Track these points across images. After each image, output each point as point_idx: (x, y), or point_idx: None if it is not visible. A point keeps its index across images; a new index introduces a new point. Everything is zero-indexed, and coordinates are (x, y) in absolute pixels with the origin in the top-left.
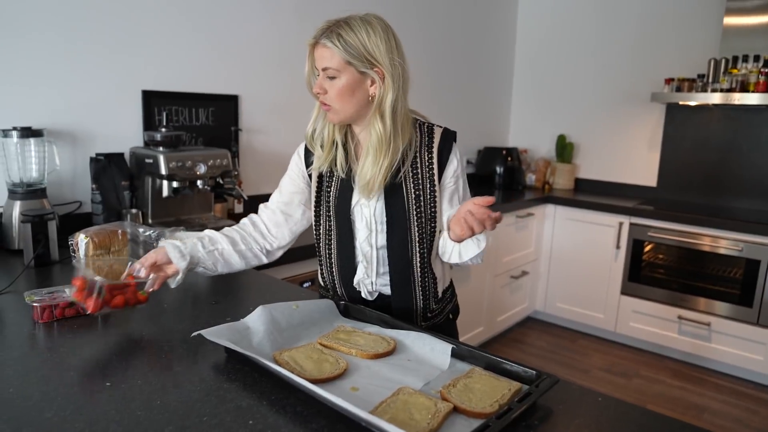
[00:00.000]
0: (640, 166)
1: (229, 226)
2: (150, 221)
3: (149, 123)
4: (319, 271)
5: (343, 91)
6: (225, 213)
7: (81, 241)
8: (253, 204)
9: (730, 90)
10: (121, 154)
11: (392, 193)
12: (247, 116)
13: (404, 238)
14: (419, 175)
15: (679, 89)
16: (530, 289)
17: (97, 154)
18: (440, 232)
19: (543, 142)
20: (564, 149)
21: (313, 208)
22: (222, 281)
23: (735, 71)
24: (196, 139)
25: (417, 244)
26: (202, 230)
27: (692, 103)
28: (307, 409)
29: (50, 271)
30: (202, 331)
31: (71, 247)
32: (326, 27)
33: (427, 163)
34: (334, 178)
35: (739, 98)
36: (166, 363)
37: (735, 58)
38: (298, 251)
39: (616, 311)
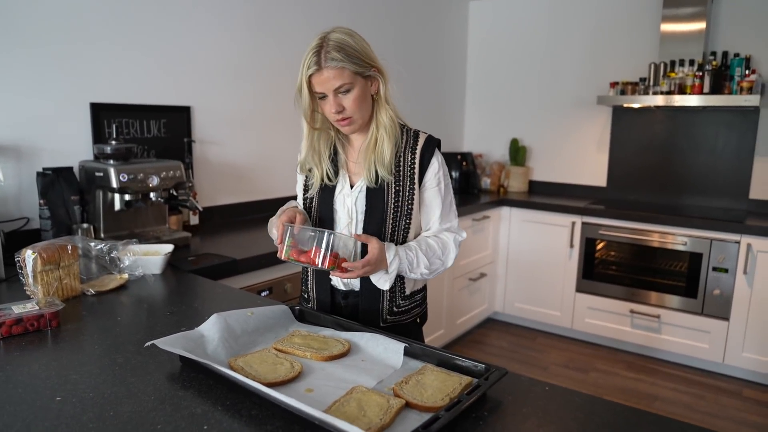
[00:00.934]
0: (590, 167)
1: (185, 238)
2: (102, 235)
3: (99, 136)
4: (302, 272)
5: (359, 100)
6: (180, 225)
7: (28, 256)
8: (208, 215)
9: (670, 92)
10: (70, 168)
11: (375, 185)
12: (200, 127)
13: (379, 230)
14: (401, 173)
15: (623, 92)
16: (489, 291)
17: (45, 169)
18: (418, 231)
19: (497, 146)
20: (517, 153)
21: (301, 197)
22: (177, 292)
23: (673, 75)
24: (148, 151)
25: (390, 236)
26: (156, 243)
27: (636, 106)
28: (262, 412)
29: None
30: (156, 341)
31: (18, 264)
32: (318, 52)
33: (409, 163)
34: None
35: (679, 100)
36: (120, 374)
37: (672, 63)
38: (256, 260)
39: (572, 309)
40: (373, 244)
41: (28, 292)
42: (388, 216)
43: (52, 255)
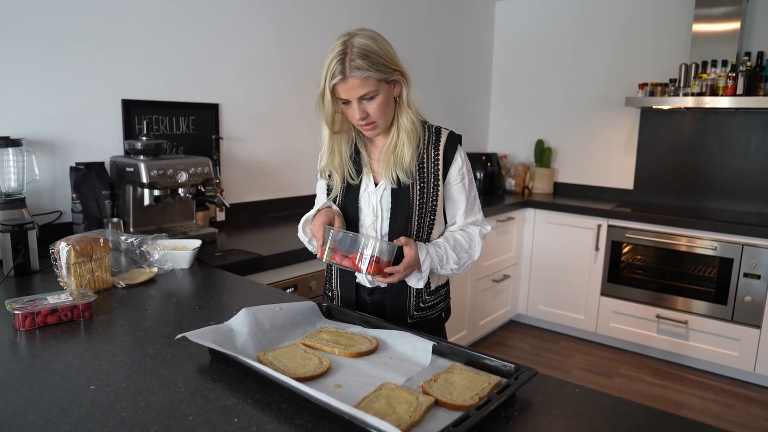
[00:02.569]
0: (617, 169)
1: (212, 234)
2: (131, 230)
3: (129, 132)
4: (326, 270)
5: (383, 106)
6: (207, 221)
7: (62, 249)
8: (234, 211)
9: (701, 94)
10: (102, 163)
11: (396, 185)
12: (227, 125)
13: (405, 227)
14: (425, 170)
15: (652, 94)
16: (512, 293)
17: (77, 164)
18: (441, 227)
19: (522, 147)
20: (542, 154)
21: (323, 198)
22: (205, 287)
23: (705, 76)
24: (177, 147)
25: (415, 233)
26: (184, 238)
27: (665, 107)
28: (292, 407)
29: (31, 281)
30: (187, 334)
31: (52, 255)
32: (342, 60)
33: (433, 160)
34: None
35: (710, 102)
36: (151, 366)
37: (704, 63)
38: (281, 257)
39: (596, 312)
40: (411, 246)
41: (61, 284)
42: (414, 213)
43: (85, 248)
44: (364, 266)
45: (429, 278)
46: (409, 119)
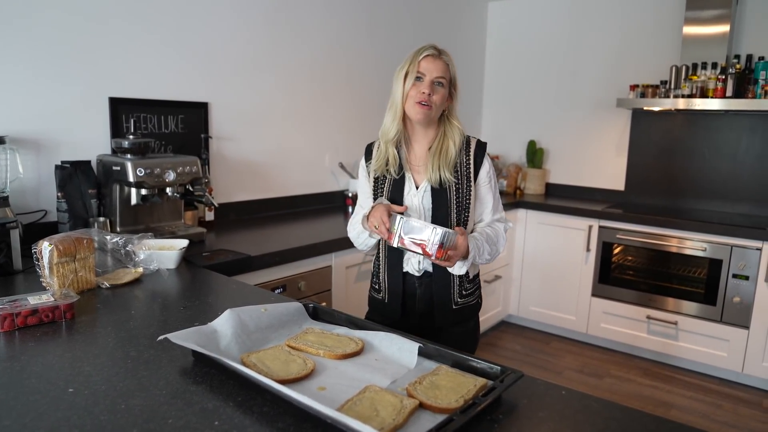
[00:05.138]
0: (608, 170)
1: (200, 233)
2: (118, 229)
3: (117, 130)
4: (373, 265)
5: (442, 98)
6: (195, 220)
7: (45, 248)
8: (223, 211)
9: (691, 96)
10: (88, 162)
11: (437, 185)
12: (216, 124)
13: (445, 223)
14: (459, 173)
15: (643, 95)
16: (503, 294)
17: (63, 162)
18: (475, 223)
19: (514, 147)
20: (534, 155)
21: (369, 201)
22: (191, 287)
23: (695, 78)
24: (165, 146)
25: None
26: (171, 238)
27: (656, 109)
28: (274, 409)
29: (13, 281)
30: (169, 335)
31: (34, 255)
32: (435, 48)
33: (465, 164)
34: (388, 177)
35: (700, 103)
36: (132, 367)
37: (695, 66)
38: (270, 257)
39: (587, 313)
40: (465, 236)
41: (44, 284)
42: (452, 211)
43: (68, 247)
44: (433, 251)
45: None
46: (456, 128)
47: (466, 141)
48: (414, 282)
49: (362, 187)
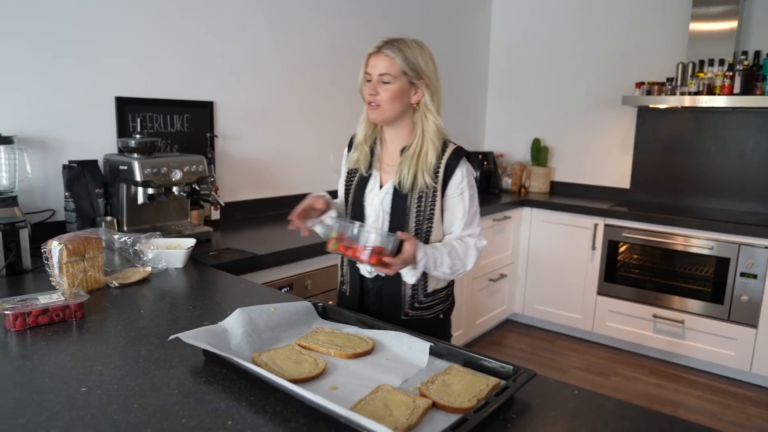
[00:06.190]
0: (614, 168)
1: (206, 233)
2: (125, 228)
3: (123, 130)
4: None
5: (394, 95)
6: (201, 220)
7: (54, 248)
8: (229, 210)
9: (698, 93)
10: (95, 161)
11: (400, 188)
12: (222, 123)
13: (402, 230)
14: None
15: (649, 92)
16: (508, 292)
17: (70, 162)
18: (444, 235)
19: (519, 145)
20: (539, 153)
21: (343, 196)
22: (199, 286)
23: (702, 75)
24: (171, 145)
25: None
26: (178, 237)
27: (662, 106)
28: (287, 409)
29: (22, 280)
30: (180, 335)
31: (44, 255)
32: (387, 41)
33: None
34: (358, 173)
35: (707, 101)
36: (144, 367)
37: (701, 62)
38: (276, 256)
39: (592, 312)
40: (411, 241)
41: (53, 283)
42: (411, 218)
43: (78, 247)
44: (365, 257)
45: (426, 280)
46: (431, 127)
47: (443, 145)
48: (368, 282)
49: (341, 174)
